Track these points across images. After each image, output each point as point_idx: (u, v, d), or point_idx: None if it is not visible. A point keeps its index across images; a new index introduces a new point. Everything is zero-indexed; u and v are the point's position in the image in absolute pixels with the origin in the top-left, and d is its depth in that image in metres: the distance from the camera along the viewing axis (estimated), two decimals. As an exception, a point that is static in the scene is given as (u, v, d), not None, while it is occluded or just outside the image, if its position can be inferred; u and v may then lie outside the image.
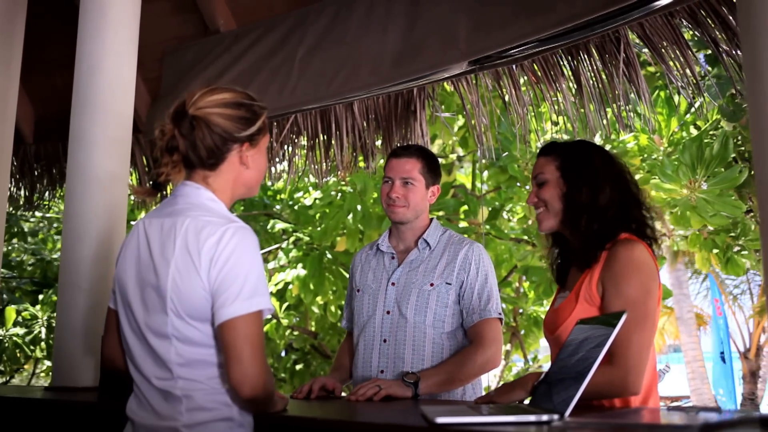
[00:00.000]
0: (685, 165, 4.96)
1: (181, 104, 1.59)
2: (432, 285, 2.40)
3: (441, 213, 6.35)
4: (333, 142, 4.25)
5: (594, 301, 1.84)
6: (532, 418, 1.46)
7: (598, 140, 5.36)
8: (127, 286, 1.59)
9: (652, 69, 5.39)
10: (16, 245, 8.09)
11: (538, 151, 2.08)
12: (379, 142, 4.32)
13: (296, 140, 4.46)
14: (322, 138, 4.32)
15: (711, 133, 5.38)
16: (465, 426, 1.43)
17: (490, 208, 6.55)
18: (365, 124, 4.16)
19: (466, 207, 6.75)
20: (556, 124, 3.95)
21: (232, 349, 1.47)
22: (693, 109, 5.19)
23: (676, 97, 5.16)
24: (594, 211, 1.89)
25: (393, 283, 2.46)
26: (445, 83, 4.02)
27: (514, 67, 3.53)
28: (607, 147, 5.40)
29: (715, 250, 6.09)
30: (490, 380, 9.55)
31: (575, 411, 1.66)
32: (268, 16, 3.87)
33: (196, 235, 1.50)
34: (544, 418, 1.44)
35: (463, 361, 2.32)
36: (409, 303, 2.40)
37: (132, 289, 1.58)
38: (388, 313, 2.44)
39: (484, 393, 2.48)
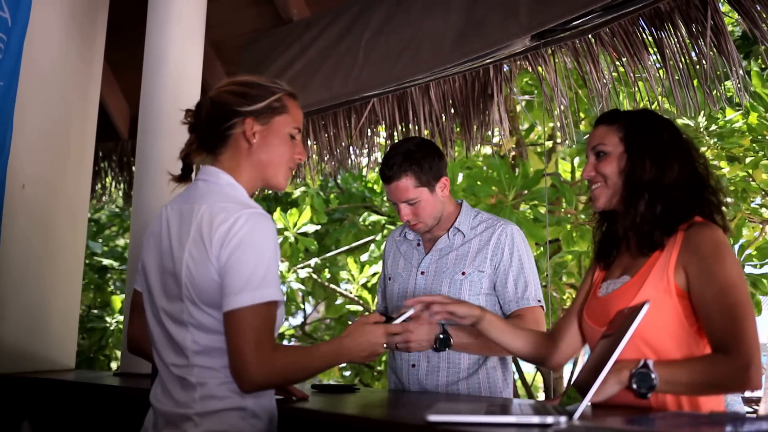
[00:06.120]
0: (801, 145, 4.48)
1: None
2: (464, 274, 2.25)
3: (535, 202, 6.06)
4: (411, 127, 4.14)
5: (670, 290, 1.60)
6: (535, 419, 1.31)
7: (702, 121, 4.95)
8: (149, 273, 1.59)
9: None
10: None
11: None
12: (457, 128, 4.16)
13: (375, 129, 4.38)
14: (400, 127, 4.22)
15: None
16: (457, 425, 1.30)
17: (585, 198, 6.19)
18: (442, 111, 4.02)
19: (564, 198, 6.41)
20: (652, 103, 3.63)
21: (235, 340, 1.42)
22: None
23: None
24: (657, 191, 1.67)
25: (422, 272, 2.33)
26: (523, 63, 3.79)
27: (594, 42, 3.28)
28: (713, 127, 4.98)
29: None
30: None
31: (595, 412, 1.50)
32: (337, 2, 3.82)
33: (210, 222, 1.47)
34: (549, 420, 1.29)
35: None
36: (441, 293, 2.24)
37: (153, 275, 1.57)
38: None
39: (511, 385, 2.29)
